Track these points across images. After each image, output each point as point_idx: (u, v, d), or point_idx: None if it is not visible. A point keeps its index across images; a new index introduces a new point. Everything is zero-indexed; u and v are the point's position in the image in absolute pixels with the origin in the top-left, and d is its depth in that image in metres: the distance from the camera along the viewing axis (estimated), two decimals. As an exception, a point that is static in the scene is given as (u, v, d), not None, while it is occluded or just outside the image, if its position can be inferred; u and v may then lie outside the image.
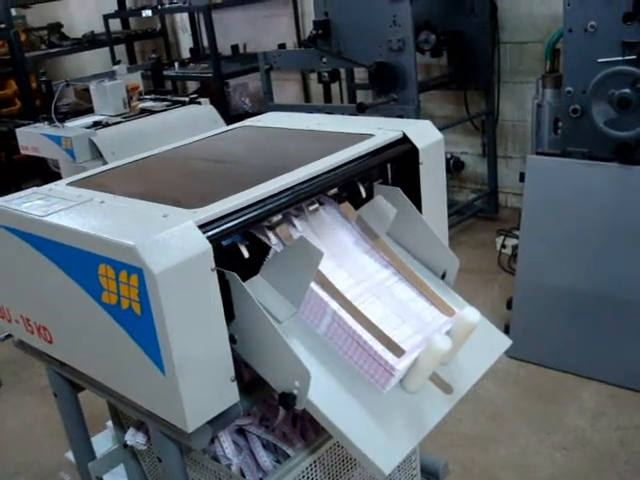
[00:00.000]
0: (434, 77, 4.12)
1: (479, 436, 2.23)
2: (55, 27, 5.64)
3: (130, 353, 1.16)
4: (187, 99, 3.59)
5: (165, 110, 3.46)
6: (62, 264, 1.23)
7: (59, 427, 2.59)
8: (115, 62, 4.84)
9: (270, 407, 1.65)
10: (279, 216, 1.33)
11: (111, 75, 3.59)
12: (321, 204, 1.45)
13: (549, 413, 2.36)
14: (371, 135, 1.56)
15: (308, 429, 1.69)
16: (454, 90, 4.08)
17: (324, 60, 3.60)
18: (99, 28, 5.37)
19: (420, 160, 1.58)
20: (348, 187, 1.53)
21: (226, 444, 1.54)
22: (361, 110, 3.26)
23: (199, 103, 3.55)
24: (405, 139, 1.57)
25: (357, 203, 1.52)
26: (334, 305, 1.29)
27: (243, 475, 1.58)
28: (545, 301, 2.52)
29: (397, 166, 1.62)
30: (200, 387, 1.14)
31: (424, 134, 1.61)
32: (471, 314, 1.33)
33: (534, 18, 3.76)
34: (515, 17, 3.82)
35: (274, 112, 2.03)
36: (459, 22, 3.77)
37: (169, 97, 3.70)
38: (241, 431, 1.65)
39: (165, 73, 4.34)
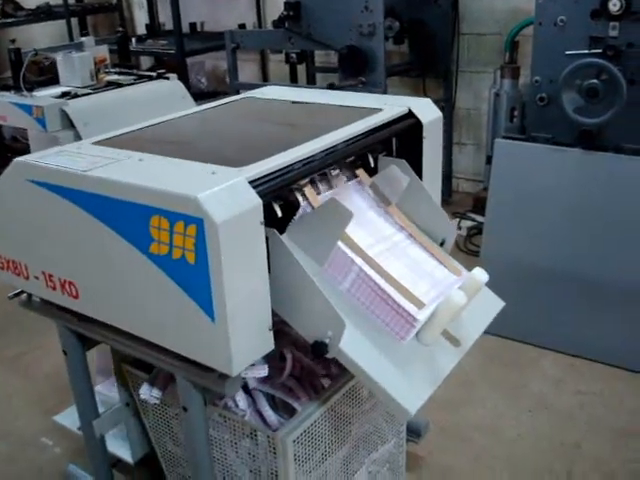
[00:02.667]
0: (395, 64, 4.25)
1: (451, 400, 2.39)
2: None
3: (176, 302, 1.22)
4: (155, 74, 3.58)
5: (133, 84, 3.44)
6: (104, 217, 1.27)
7: (36, 397, 2.60)
8: (73, 35, 4.74)
9: (271, 367, 1.73)
10: (306, 179, 1.41)
11: (78, 47, 3.54)
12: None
13: (513, 379, 2.54)
14: (379, 109, 1.66)
15: (307, 387, 1.78)
16: (413, 77, 4.23)
17: (292, 41, 3.67)
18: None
19: (424, 134, 1.69)
20: (358, 157, 1.63)
21: (239, 397, 1.62)
22: (332, 91, 3.35)
23: (167, 78, 3.55)
24: (410, 114, 1.68)
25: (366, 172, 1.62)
26: (359, 262, 1.39)
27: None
28: (508, 277, 2.69)
29: (401, 140, 1.73)
30: (245, 334, 1.22)
31: (427, 110, 1.72)
32: (480, 274, 1.45)
33: (493, 11, 3.95)
34: (475, 9, 4.00)
35: (273, 86, 2.10)
36: (422, 11, 3.91)
37: (135, 71, 3.68)
38: (245, 390, 1.73)
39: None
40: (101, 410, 1.80)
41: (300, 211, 1.41)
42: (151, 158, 1.34)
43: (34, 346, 2.93)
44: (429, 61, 4.06)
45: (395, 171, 1.55)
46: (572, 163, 2.61)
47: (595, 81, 2.32)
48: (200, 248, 1.14)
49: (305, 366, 1.74)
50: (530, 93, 2.69)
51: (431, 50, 4.01)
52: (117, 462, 1.98)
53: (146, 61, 5.57)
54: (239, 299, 1.18)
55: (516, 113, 3.66)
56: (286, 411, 1.70)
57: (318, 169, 1.39)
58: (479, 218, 3.72)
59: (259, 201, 1.19)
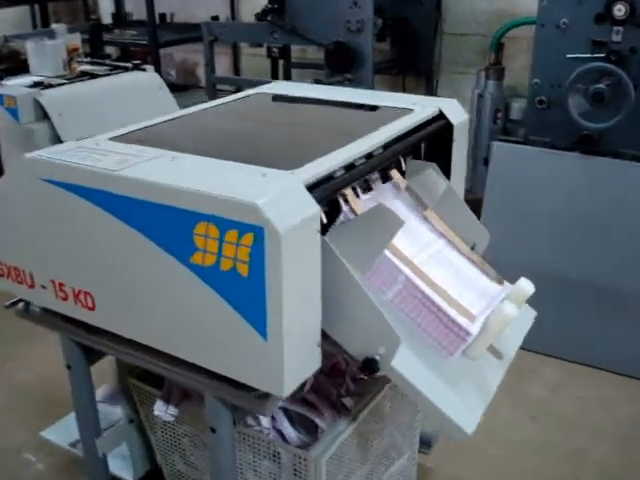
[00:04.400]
0: (376, 61, 4.18)
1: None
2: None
3: (219, 317, 1.11)
4: (130, 65, 3.41)
5: (108, 75, 3.27)
6: (137, 223, 1.15)
7: (17, 410, 2.41)
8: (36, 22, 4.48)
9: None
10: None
11: (49, 34, 3.34)
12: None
13: (515, 386, 2.50)
14: (410, 110, 1.58)
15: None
16: (393, 75, 4.17)
17: (275, 35, 3.55)
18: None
19: (454, 137, 1.62)
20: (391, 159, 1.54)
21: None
22: (319, 88, 3.25)
23: (143, 70, 3.39)
24: (441, 115, 1.61)
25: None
26: (407, 271, 1.30)
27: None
28: (503, 281, 2.63)
29: (430, 142, 1.65)
30: (297, 352, 1.12)
31: (456, 112, 1.65)
32: (526, 284, 1.39)
33: (476, 12, 3.92)
34: (458, 9, 3.96)
35: (280, 82, 1.99)
36: (406, 9, 3.85)
37: (108, 62, 3.50)
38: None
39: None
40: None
41: (341, 217, 1.32)
42: (184, 157, 1.22)
43: (15, 356, 2.74)
44: (410, 60, 4.01)
45: (432, 175, 1.48)
46: (570, 167, 2.59)
47: (602, 86, 2.30)
48: (256, 259, 1.03)
49: (320, 380, 1.65)
50: (529, 96, 2.65)
51: (413, 49, 3.96)
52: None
53: (111, 52, 5.34)
54: (295, 315, 1.08)
55: (500, 115, 3.64)
56: (304, 428, 1.61)
57: (364, 173, 1.29)
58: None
59: (317, 208, 1.09)
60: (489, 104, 3.64)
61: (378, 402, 1.59)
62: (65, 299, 1.35)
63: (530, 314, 1.59)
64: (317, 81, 3.24)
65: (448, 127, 1.60)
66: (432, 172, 1.47)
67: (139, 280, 1.20)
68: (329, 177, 1.19)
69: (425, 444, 2.07)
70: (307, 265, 1.09)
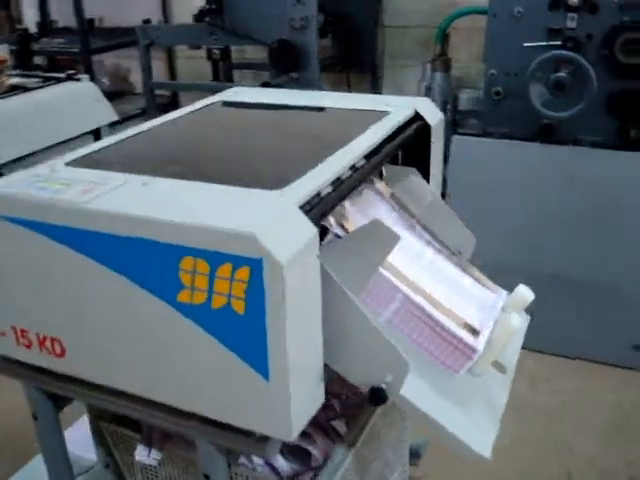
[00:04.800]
0: (319, 59, 4.09)
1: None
2: None
3: (212, 359, 1.00)
4: (63, 75, 3.21)
5: (41, 87, 3.06)
6: (110, 261, 1.02)
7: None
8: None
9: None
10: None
11: (-28, 45, 3.10)
12: (356, 184, 1.36)
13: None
14: (386, 112, 1.49)
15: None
16: (337, 72, 4.08)
17: (215, 37, 3.41)
18: None
19: (432, 139, 1.54)
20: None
21: (253, 450, 1.40)
22: (267, 90, 3.13)
23: (78, 80, 3.20)
24: (417, 117, 1.53)
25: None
26: (404, 289, 1.21)
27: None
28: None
29: (406, 145, 1.57)
30: (302, 390, 1.02)
31: (432, 112, 1.57)
32: (526, 291, 1.33)
33: (416, 3, 3.87)
34: (398, 1, 3.91)
35: (239, 87, 1.86)
36: (346, 4, 3.77)
37: (39, 73, 3.29)
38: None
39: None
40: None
41: (329, 235, 1.22)
42: (157, 182, 1.09)
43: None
44: (354, 55, 3.94)
45: (417, 182, 1.39)
46: (531, 157, 2.57)
47: (563, 74, 2.27)
48: (254, 295, 0.92)
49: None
50: (485, 87, 2.61)
51: (355, 44, 3.89)
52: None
53: (38, 62, 5.06)
54: (298, 349, 0.98)
55: (449, 107, 3.61)
56: (293, 455, 1.51)
57: (352, 188, 1.19)
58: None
59: (315, 230, 0.98)
60: (438, 96, 3.60)
61: (373, 424, 1.51)
62: (29, 346, 1.20)
63: (524, 318, 1.53)
64: (265, 84, 3.12)
65: (425, 128, 1.53)
66: (416, 178, 1.39)
67: (118, 323, 1.07)
68: (318, 194, 1.09)
69: (414, 455, 2.00)
70: (308, 294, 0.99)
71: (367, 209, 1.33)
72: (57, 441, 1.42)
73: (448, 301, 1.26)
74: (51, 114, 2.99)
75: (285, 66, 3.25)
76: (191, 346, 1.01)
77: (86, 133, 3.15)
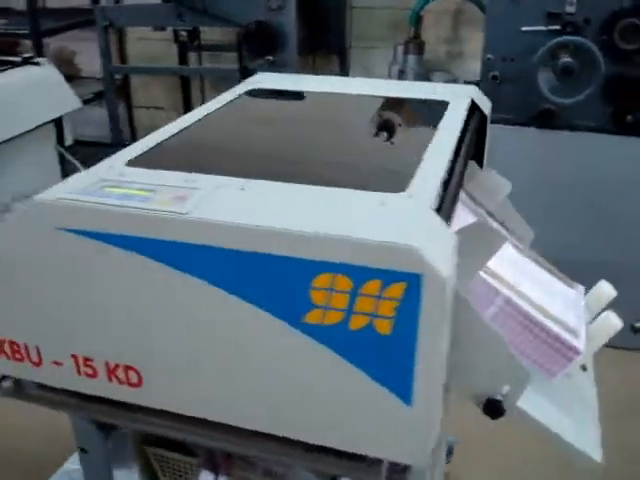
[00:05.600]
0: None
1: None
2: None
3: (343, 384, 0.90)
4: (20, 59, 2.94)
5: (-4, 73, 2.79)
6: (221, 279, 0.89)
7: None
8: None
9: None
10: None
11: None
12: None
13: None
14: (446, 102, 1.41)
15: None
16: (305, 56, 3.95)
17: (183, 18, 3.21)
18: None
19: (487, 129, 1.47)
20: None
21: None
22: (246, 75, 2.98)
23: (37, 64, 2.94)
24: (474, 106, 1.45)
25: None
26: (505, 291, 1.14)
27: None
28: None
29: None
30: (438, 411, 0.93)
31: (484, 100, 1.50)
32: (607, 287, 1.29)
33: (383, -16, 3.80)
34: (366, -18, 3.82)
35: (262, 74, 1.72)
36: (314, -16, 3.65)
37: (-10, 57, 3.00)
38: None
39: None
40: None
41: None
42: (254, 186, 0.97)
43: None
44: (321, 37, 3.82)
45: (494, 176, 1.32)
46: (528, 142, 2.55)
47: (570, 59, 2.25)
48: (407, 313, 0.83)
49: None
50: (482, 71, 2.57)
51: (324, 26, 3.77)
52: None
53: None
54: (438, 369, 0.89)
55: (422, 90, 3.56)
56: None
57: (459, 186, 1.11)
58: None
59: (456, 238, 0.89)
60: (412, 80, 3.54)
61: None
62: (93, 376, 1.06)
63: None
64: (244, 69, 2.97)
65: (482, 119, 1.46)
66: (494, 173, 1.31)
67: (219, 347, 0.94)
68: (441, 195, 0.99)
69: (448, 453, 1.96)
70: (447, 307, 0.90)
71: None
72: (107, 475, 1.28)
73: (541, 301, 1.20)
74: (10, 101, 2.74)
75: (261, 49, 3.10)
76: (319, 372, 0.90)
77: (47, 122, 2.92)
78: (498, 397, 1.04)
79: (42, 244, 0.97)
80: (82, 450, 1.23)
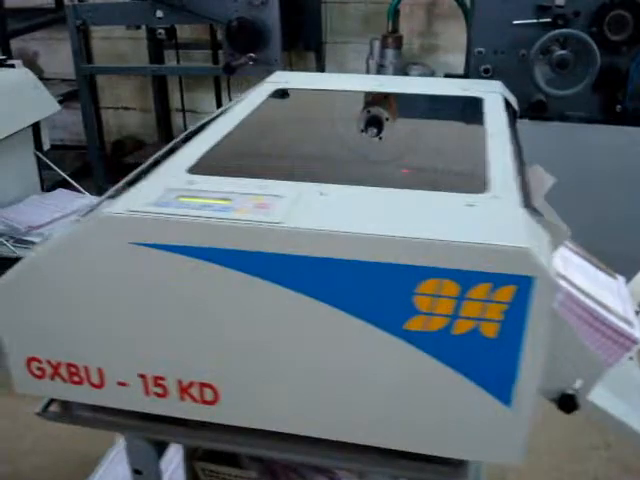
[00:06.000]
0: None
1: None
2: None
3: (443, 389, 0.89)
4: (-7, 62, 2.83)
5: (-32, 76, 2.68)
6: (315, 290, 0.86)
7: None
8: None
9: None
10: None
11: None
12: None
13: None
14: (479, 99, 1.41)
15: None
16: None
17: (160, 15, 3.13)
18: None
19: (517, 125, 1.48)
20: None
21: None
22: (230, 72, 2.94)
23: (12, 66, 2.84)
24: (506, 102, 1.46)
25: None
26: (564, 285, 1.15)
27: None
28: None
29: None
30: (533, 410, 0.93)
31: (511, 96, 1.51)
32: (650, 276, 1.31)
33: (356, -22, 3.79)
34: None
35: (281, 72, 1.69)
36: (288, -21, 3.61)
37: (-40, 60, 2.87)
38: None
39: None
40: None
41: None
42: (333, 191, 0.95)
43: None
44: (296, 33, 3.78)
45: (539, 171, 1.33)
46: (521, 134, 2.58)
47: (565, 52, 2.29)
48: (515, 316, 0.82)
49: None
50: (472, 65, 2.59)
51: (299, 21, 3.74)
52: None
53: None
54: (539, 369, 0.89)
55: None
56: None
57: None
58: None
59: (548, 238, 0.90)
60: (391, 74, 3.54)
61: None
62: (163, 396, 1.02)
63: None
64: (228, 66, 2.92)
65: (513, 115, 1.46)
66: (539, 167, 1.32)
67: (318, 361, 0.92)
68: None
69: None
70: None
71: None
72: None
73: (594, 292, 1.21)
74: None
75: (244, 46, 3.05)
76: (417, 377, 0.89)
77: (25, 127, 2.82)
78: (571, 391, 1.05)
79: (113, 260, 0.92)
80: (136, 472, 1.19)
